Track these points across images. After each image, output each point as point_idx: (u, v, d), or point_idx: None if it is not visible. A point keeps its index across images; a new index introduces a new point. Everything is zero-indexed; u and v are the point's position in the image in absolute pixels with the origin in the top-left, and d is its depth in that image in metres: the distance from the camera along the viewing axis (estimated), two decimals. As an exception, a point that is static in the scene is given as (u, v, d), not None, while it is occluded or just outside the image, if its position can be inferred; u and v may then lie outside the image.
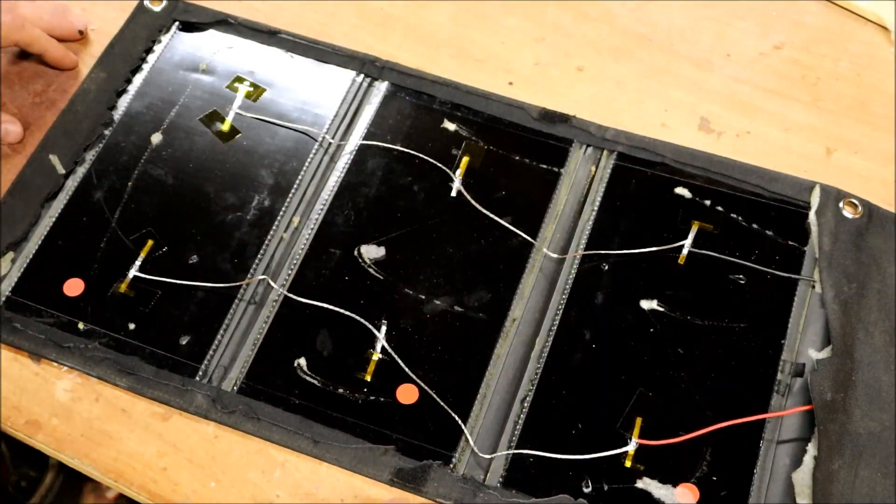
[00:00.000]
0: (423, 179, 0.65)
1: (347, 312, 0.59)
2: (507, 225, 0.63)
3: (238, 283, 0.61)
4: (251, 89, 0.69)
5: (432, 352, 0.59)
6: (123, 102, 0.69)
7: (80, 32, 0.72)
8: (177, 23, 0.72)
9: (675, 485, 0.54)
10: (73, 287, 0.61)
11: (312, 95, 0.69)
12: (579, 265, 0.62)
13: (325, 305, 0.60)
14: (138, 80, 0.70)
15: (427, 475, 0.55)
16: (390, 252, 0.62)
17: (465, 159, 0.66)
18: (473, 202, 0.64)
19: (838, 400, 0.55)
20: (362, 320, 0.59)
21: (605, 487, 0.54)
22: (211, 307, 0.60)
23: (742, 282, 0.60)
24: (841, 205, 0.62)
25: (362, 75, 0.70)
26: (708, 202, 0.63)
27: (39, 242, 0.63)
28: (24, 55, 0.71)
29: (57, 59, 0.70)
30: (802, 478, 0.53)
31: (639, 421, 0.56)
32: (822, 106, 0.69)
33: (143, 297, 0.61)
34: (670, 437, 0.55)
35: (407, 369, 0.58)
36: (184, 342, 0.59)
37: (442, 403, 0.56)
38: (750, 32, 0.72)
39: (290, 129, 0.67)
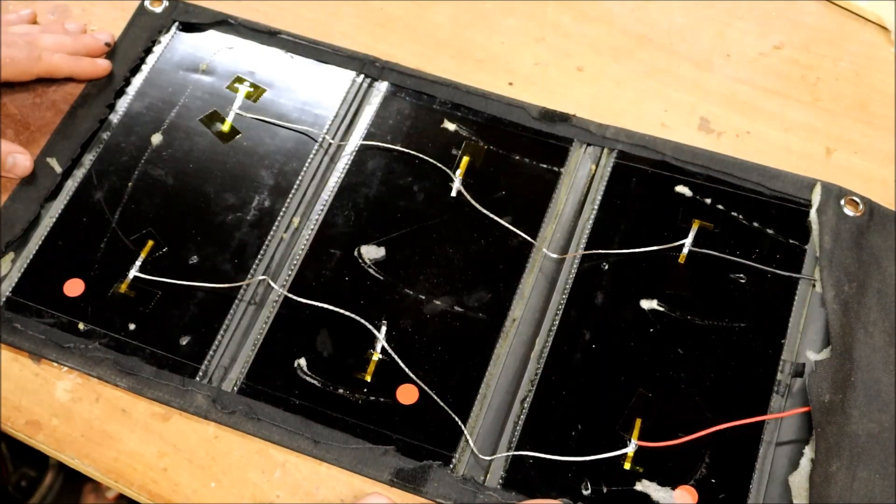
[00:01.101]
0: (423, 179, 0.65)
1: (347, 313, 0.59)
2: (507, 225, 0.63)
3: (238, 284, 0.61)
4: (251, 90, 0.69)
5: (432, 352, 0.59)
6: (124, 103, 0.69)
7: (108, 44, 0.71)
8: (177, 23, 0.72)
9: (673, 487, 0.54)
10: (74, 287, 0.61)
11: (312, 96, 0.69)
12: (579, 265, 0.61)
13: (325, 306, 0.60)
14: (139, 80, 0.70)
15: (427, 476, 0.55)
16: (390, 252, 0.62)
17: (465, 159, 0.66)
18: (473, 202, 0.64)
19: (836, 401, 0.55)
20: (362, 320, 0.59)
21: (605, 489, 0.54)
22: (211, 307, 0.60)
23: (742, 281, 0.60)
24: (842, 203, 0.62)
25: (362, 75, 0.70)
26: (708, 200, 0.63)
27: (39, 243, 0.63)
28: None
29: (87, 76, 0.69)
30: (799, 480, 0.53)
31: (638, 422, 0.56)
32: (822, 106, 0.69)
33: (143, 297, 0.61)
34: (670, 439, 0.55)
35: (407, 369, 0.58)
36: (184, 342, 0.59)
37: (442, 404, 0.56)
38: (750, 32, 0.72)
39: (291, 129, 0.67)
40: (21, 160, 0.65)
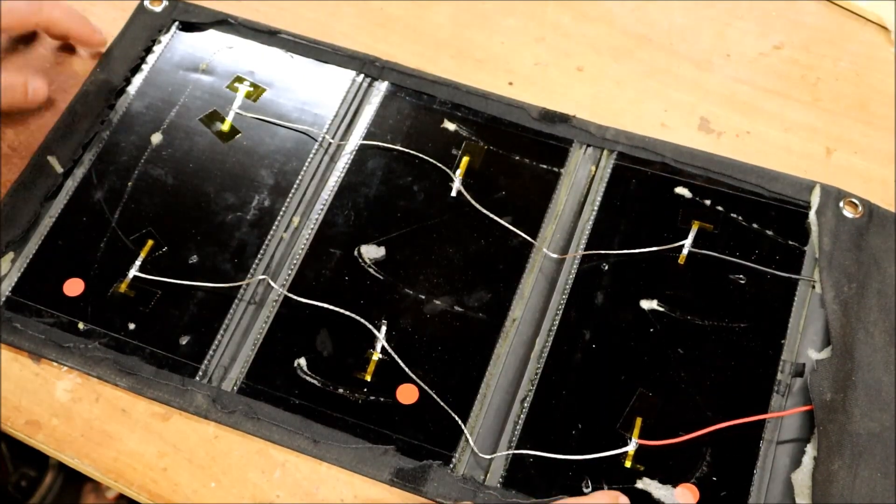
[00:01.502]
0: (423, 179, 0.65)
1: (347, 312, 0.59)
2: (507, 225, 0.63)
3: (238, 283, 0.61)
4: (251, 89, 0.69)
5: (432, 352, 0.59)
6: (123, 103, 0.69)
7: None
8: (177, 23, 0.72)
9: (674, 485, 0.54)
10: (73, 287, 0.61)
11: (312, 95, 0.69)
12: (579, 265, 0.62)
13: (325, 305, 0.60)
14: (138, 80, 0.70)
15: (427, 475, 0.55)
16: (390, 252, 0.62)
17: (465, 159, 0.66)
18: (473, 202, 0.64)
19: (838, 400, 0.55)
20: (362, 320, 0.59)
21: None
22: (211, 307, 0.60)
23: (742, 282, 0.60)
24: (841, 204, 0.62)
25: (362, 75, 0.70)
26: (708, 202, 0.63)
27: (39, 242, 0.63)
28: (27, 49, 0.71)
29: (84, 38, 0.69)
30: (802, 478, 0.53)
31: (639, 421, 0.56)
32: (822, 106, 0.69)
33: (143, 297, 0.61)
34: (670, 438, 0.55)
35: (407, 369, 0.58)
36: (184, 342, 0.59)
37: (442, 403, 0.56)
38: (750, 32, 0.72)
39: (290, 129, 0.68)
40: (40, 85, 0.65)
